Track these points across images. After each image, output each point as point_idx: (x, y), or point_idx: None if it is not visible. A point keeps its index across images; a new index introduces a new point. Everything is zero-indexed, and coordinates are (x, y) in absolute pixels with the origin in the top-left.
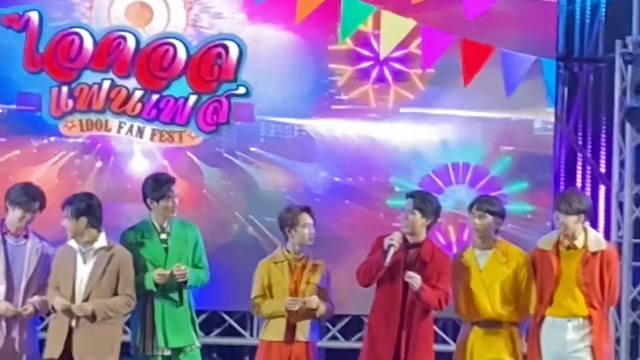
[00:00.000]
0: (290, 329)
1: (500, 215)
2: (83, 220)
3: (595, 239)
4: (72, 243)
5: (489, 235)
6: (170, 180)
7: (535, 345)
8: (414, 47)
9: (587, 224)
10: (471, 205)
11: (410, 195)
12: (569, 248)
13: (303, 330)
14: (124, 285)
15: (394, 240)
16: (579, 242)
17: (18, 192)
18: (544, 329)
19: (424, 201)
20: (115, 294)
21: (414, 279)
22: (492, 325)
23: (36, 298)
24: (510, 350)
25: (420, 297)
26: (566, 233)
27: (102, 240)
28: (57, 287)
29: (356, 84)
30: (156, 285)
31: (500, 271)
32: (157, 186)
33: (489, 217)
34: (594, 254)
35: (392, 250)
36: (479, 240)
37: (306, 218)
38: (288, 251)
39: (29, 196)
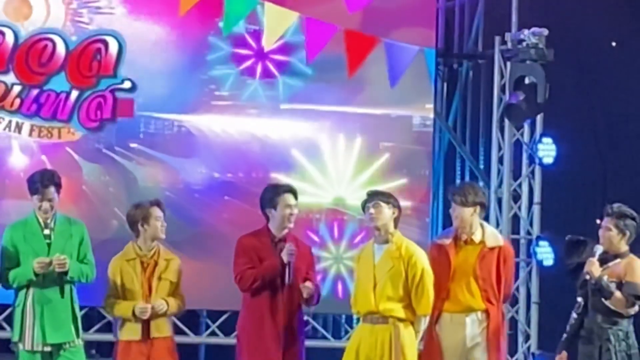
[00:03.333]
0: (146, 327)
1: (395, 205)
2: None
3: (492, 234)
4: None
5: (386, 227)
6: (46, 184)
7: (434, 342)
8: (289, 36)
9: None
10: (365, 202)
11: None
12: (466, 242)
13: (158, 327)
14: None
15: (294, 254)
16: (477, 237)
17: None
18: (442, 326)
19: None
20: None
21: (307, 289)
22: (378, 320)
23: None
24: (393, 347)
25: (309, 301)
26: (463, 226)
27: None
28: None
29: (235, 79)
30: (36, 274)
31: (391, 266)
32: (35, 187)
33: (384, 206)
34: (491, 249)
35: (292, 265)
36: (377, 233)
37: (157, 211)
38: (140, 248)
39: None
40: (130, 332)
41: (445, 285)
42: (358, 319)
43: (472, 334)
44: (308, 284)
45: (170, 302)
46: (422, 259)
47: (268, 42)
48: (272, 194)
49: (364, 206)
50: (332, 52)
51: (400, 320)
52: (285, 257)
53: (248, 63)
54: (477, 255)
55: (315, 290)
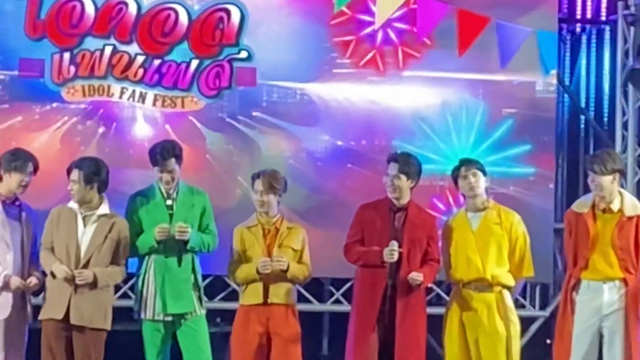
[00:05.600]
0: (266, 292)
1: (486, 173)
2: (92, 185)
3: (631, 203)
4: (73, 205)
5: (483, 195)
6: (165, 156)
7: (569, 309)
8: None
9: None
10: (457, 169)
11: (393, 159)
12: (604, 211)
13: (277, 293)
14: (122, 255)
15: (394, 256)
16: (615, 206)
17: (9, 157)
18: (580, 293)
19: (408, 164)
20: (112, 262)
21: (416, 279)
22: (482, 287)
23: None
24: (500, 313)
25: (421, 287)
26: (602, 195)
27: (104, 208)
28: (51, 248)
29: (357, 47)
30: (157, 242)
31: (493, 232)
32: (157, 158)
33: (480, 174)
34: (630, 218)
35: (393, 265)
36: (472, 200)
37: (255, 184)
38: (262, 215)
39: (22, 159)
40: (250, 297)
41: (584, 254)
42: None
43: (610, 300)
44: (416, 275)
45: (291, 264)
46: (521, 223)
47: (378, 21)
48: (387, 161)
49: (456, 175)
50: (450, 21)
51: (504, 286)
52: (385, 257)
53: (369, 30)
54: (616, 224)
55: (429, 274)
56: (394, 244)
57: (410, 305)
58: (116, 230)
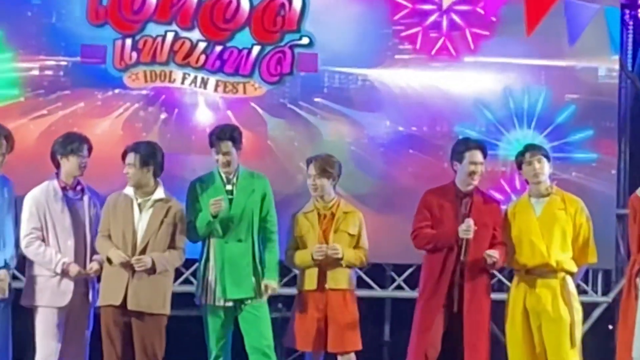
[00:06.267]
0: (322, 278)
1: (550, 159)
2: (148, 168)
3: None
4: (128, 191)
5: (547, 181)
6: (229, 136)
7: (633, 294)
8: None
9: None
10: (522, 154)
11: (478, 147)
12: None
13: (335, 278)
14: (179, 239)
15: (470, 233)
16: None
17: (63, 141)
18: None
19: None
20: (169, 246)
21: (492, 256)
22: (546, 273)
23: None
24: (564, 299)
25: (492, 267)
26: None
27: (160, 192)
28: (109, 235)
29: (418, 33)
30: (213, 216)
31: (557, 218)
32: (214, 139)
33: (545, 160)
34: None
35: (467, 242)
36: (536, 187)
37: (309, 169)
38: (317, 200)
39: (77, 141)
40: (307, 283)
41: None
42: None
43: None
44: (492, 252)
45: (346, 251)
46: (585, 210)
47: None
48: (462, 148)
49: (520, 160)
50: (515, 5)
51: (567, 272)
52: (460, 234)
53: (432, 18)
54: None
55: (502, 255)
56: (470, 221)
57: (478, 290)
58: (172, 214)
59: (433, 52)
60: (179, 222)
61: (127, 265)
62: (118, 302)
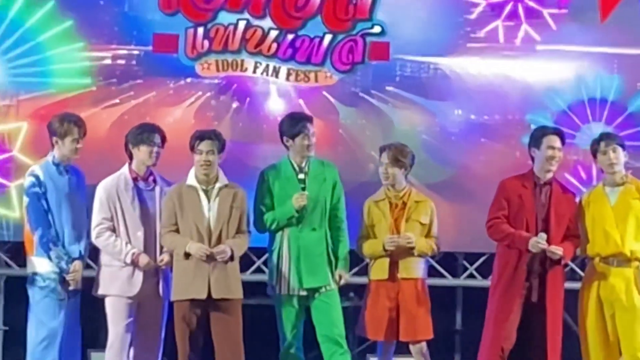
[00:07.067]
0: (394, 267)
1: (625, 148)
2: (220, 155)
3: None
4: (192, 181)
5: (622, 171)
6: (307, 118)
7: None
8: None
9: None
10: (597, 143)
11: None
12: None
13: (407, 267)
14: (245, 222)
15: (541, 247)
16: None
17: (135, 131)
18: None
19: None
20: (237, 231)
21: (556, 253)
22: (620, 262)
23: None
24: (638, 288)
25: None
26: None
27: (223, 179)
28: (176, 230)
29: (490, 22)
30: (297, 211)
31: (632, 207)
32: (293, 123)
33: (621, 150)
34: None
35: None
36: (611, 176)
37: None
38: (389, 189)
39: (148, 130)
40: (378, 272)
41: None
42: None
43: None
44: (554, 248)
45: (418, 240)
46: None
47: None
48: (540, 134)
49: (595, 149)
50: None
51: None
52: (531, 247)
53: (506, 6)
54: None
55: (568, 250)
56: (543, 237)
57: (557, 279)
58: (239, 199)
59: (500, 39)
60: (244, 205)
61: (209, 257)
62: (204, 295)
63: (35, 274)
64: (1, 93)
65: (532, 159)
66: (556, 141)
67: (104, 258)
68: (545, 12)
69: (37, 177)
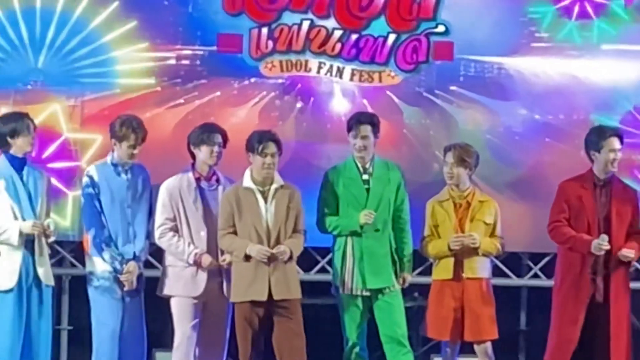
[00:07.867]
0: (459, 267)
1: None
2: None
3: None
4: (247, 183)
5: None
6: (362, 120)
7: None
8: None
9: None
10: None
11: (617, 134)
12: None
13: (471, 267)
14: (302, 222)
15: (603, 249)
16: None
17: (197, 132)
18: None
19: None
20: (293, 230)
21: (628, 256)
22: None
23: None
24: None
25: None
26: None
27: (279, 179)
28: (233, 232)
29: (556, 21)
30: (361, 227)
31: None
32: (350, 124)
33: None
34: None
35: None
36: None
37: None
38: (452, 189)
39: (209, 131)
40: (442, 272)
41: None
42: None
43: None
44: (626, 252)
45: (482, 239)
46: None
47: None
48: (598, 137)
49: None
50: None
51: None
52: (593, 249)
53: (566, 3)
54: None
55: (638, 249)
56: (605, 239)
57: (622, 280)
58: (295, 199)
59: (562, 38)
60: (300, 205)
61: (270, 258)
62: (264, 297)
63: (91, 273)
64: (66, 94)
65: (591, 160)
66: (617, 143)
67: (168, 258)
68: (613, 8)
69: (91, 178)
